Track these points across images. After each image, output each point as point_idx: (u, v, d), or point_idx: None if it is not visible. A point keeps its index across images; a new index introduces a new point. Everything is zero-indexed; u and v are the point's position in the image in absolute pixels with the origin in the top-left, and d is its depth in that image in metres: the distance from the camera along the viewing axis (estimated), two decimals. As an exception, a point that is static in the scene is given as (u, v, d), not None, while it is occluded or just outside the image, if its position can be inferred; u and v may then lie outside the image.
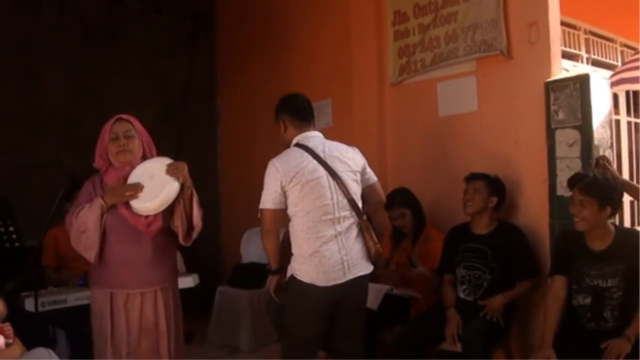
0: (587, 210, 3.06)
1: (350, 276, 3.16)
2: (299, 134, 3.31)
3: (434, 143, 4.56)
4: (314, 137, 3.29)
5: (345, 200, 3.18)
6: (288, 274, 3.22)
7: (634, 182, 4.54)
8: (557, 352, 3.01)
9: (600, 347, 2.95)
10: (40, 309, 3.43)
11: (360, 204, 3.25)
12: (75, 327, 3.78)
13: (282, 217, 3.20)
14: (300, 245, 3.16)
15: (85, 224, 2.86)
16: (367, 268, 3.26)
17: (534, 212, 3.86)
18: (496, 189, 3.76)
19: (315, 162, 3.17)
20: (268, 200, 3.17)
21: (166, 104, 6.46)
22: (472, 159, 4.18)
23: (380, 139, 4.93)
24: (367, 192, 3.37)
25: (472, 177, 3.81)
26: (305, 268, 3.13)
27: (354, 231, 3.22)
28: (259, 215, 3.21)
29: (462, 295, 3.71)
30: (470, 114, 4.30)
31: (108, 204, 2.87)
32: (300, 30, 5.76)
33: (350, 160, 3.28)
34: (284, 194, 3.15)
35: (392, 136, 4.92)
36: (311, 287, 3.12)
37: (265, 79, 6.19)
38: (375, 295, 3.84)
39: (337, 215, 3.15)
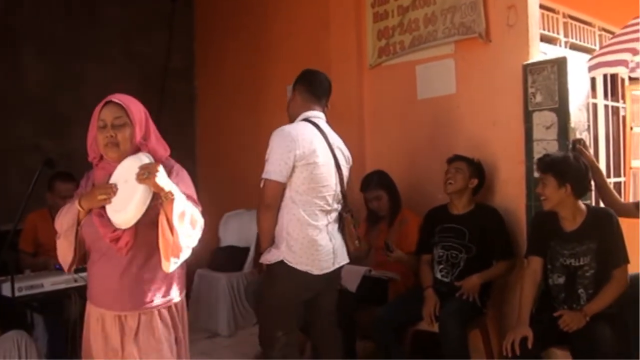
0: (548, 188, 3.16)
1: (336, 265, 3.16)
2: (306, 109, 3.17)
3: (413, 126, 4.57)
4: (322, 120, 3.19)
5: (340, 194, 3.16)
6: (274, 258, 3.04)
7: (611, 164, 4.62)
8: (532, 331, 3.05)
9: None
10: (17, 293, 3.38)
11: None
12: (53, 312, 3.75)
13: (283, 192, 3.01)
14: (293, 230, 3.01)
15: (59, 229, 2.44)
16: (346, 259, 3.25)
17: (510, 194, 3.90)
18: (477, 171, 3.81)
19: (327, 147, 3.08)
20: (275, 170, 2.94)
21: (144, 84, 6.37)
22: (450, 142, 4.20)
23: (359, 122, 4.93)
24: None
25: (455, 158, 3.85)
26: (300, 255, 3.00)
27: (339, 222, 3.20)
28: (261, 185, 2.98)
29: (439, 275, 3.75)
30: (448, 96, 4.31)
31: (85, 208, 2.37)
32: (279, 11, 5.72)
33: (346, 154, 3.27)
34: (293, 168, 2.95)
35: (370, 119, 4.92)
36: (305, 275, 3.01)
37: (243, 60, 6.15)
38: (353, 277, 3.86)
39: (332, 207, 3.13)
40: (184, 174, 2.49)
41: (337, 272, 3.20)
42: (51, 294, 3.55)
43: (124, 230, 2.28)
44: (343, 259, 3.21)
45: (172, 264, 2.31)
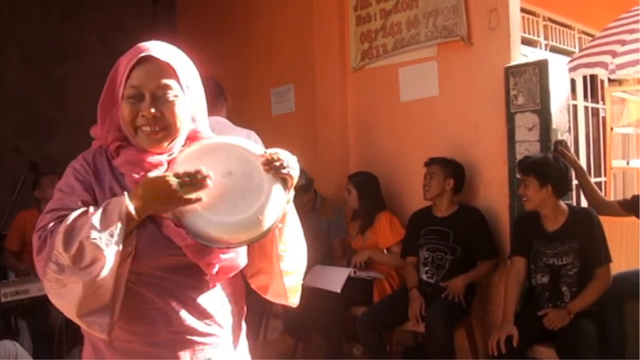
0: (530, 189, 3.22)
1: None
2: None
3: (396, 128, 4.59)
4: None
5: None
6: None
7: (591, 164, 4.68)
8: (518, 329, 3.09)
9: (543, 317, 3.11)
10: (2, 300, 3.36)
11: None
12: (38, 318, 3.72)
13: None
14: None
15: (93, 250, 1.30)
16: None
17: (494, 195, 3.94)
18: (452, 171, 3.82)
19: None
20: None
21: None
22: (433, 144, 4.23)
23: (342, 124, 4.95)
24: None
25: (429, 162, 3.88)
26: None
27: None
28: None
29: (424, 277, 3.77)
30: (431, 99, 4.34)
31: (141, 214, 1.37)
32: (262, 15, 5.72)
33: None
34: None
35: (354, 121, 4.94)
36: None
37: (226, 64, 6.12)
38: (338, 278, 3.89)
39: None
40: None
41: None
42: (37, 299, 3.52)
43: (238, 250, 1.52)
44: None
45: (294, 298, 1.66)
